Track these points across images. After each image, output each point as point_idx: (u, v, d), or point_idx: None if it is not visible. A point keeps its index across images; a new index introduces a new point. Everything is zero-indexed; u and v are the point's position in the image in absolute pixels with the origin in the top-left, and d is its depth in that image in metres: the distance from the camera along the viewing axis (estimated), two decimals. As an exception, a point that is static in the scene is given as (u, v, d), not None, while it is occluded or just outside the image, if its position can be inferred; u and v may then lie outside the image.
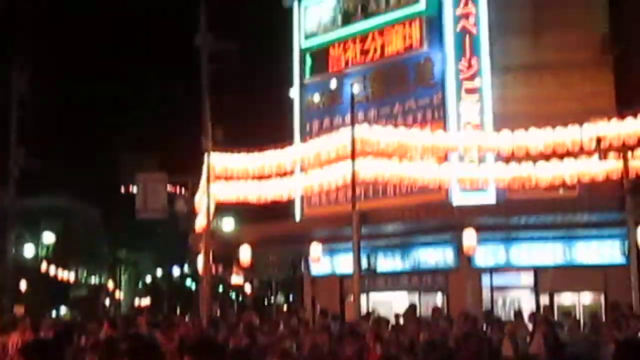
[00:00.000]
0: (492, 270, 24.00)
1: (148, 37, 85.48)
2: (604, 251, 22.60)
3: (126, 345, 7.01)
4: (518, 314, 19.20)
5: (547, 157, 20.32)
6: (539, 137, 20.13)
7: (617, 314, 15.50)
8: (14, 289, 31.22)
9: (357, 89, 22.63)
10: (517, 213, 21.32)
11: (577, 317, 17.07)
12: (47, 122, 61.29)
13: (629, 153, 17.43)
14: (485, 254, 23.38)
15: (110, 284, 69.50)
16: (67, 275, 53.90)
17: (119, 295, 71.47)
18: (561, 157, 20.21)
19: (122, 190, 32.72)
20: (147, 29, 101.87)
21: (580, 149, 19.68)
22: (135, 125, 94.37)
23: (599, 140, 17.33)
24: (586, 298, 23.75)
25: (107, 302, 68.56)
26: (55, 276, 50.27)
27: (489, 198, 22.73)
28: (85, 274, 70.33)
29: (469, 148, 21.17)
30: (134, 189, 27.08)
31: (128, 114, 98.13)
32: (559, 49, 23.71)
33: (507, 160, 20.97)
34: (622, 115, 19.46)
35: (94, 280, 72.38)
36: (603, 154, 17.81)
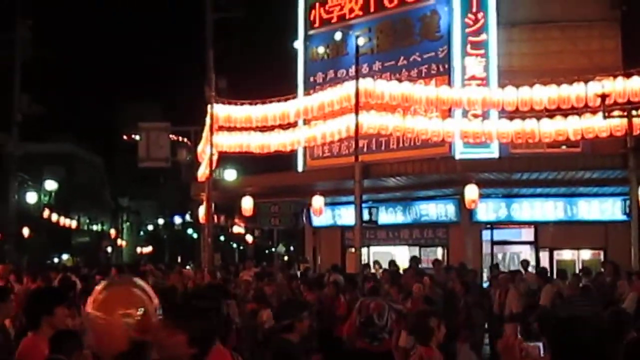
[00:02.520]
0: (492, 225, 24.10)
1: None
2: (605, 208, 22.64)
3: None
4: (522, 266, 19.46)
5: (551, 113, 20.24)
6: (543, 93, 20.02)
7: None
8: (16, 236, 31.27)
9: (362, 41, 22.49)
10: (519, 169, 21.29)
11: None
12: (50, 68, 61.03)
13: (634, 111, 17.33)
14: (487, 209, 23.47)
15: (113, 232, 69.70)
16: (69, 222, 53.96)
17: (121, 243, 71.73)
18: (565, 113, 20.13)
19: (125, 138, 32.68)
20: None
21: (585, 106, 19.58)
22: (139, 74, 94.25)
23: (603, 97, 17.21)
24: (586, 255, 23.87)
25: (109, 249, 68.83)
26: (58, 222, 50.33)
27: (491, 153, 22.74)
28: (87, 221, 70.52)
29: (473, 103, 21.05)
30: (136, 137, 27.01)
31: (132, 61, 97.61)
32: (566, 3, 23.51)
33: (511, 115, 20.89)
34: (628, 72, 19.32)
35: (96, 227, 72.60)
36: (607, 111, 17.72)
